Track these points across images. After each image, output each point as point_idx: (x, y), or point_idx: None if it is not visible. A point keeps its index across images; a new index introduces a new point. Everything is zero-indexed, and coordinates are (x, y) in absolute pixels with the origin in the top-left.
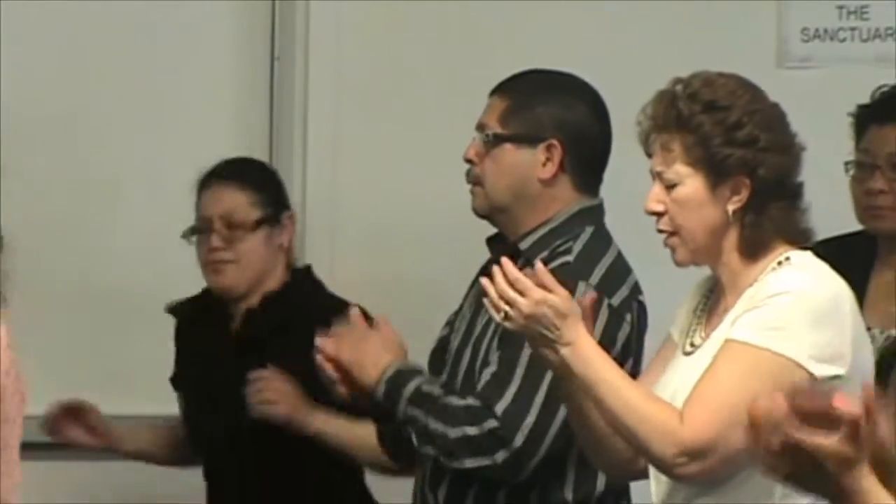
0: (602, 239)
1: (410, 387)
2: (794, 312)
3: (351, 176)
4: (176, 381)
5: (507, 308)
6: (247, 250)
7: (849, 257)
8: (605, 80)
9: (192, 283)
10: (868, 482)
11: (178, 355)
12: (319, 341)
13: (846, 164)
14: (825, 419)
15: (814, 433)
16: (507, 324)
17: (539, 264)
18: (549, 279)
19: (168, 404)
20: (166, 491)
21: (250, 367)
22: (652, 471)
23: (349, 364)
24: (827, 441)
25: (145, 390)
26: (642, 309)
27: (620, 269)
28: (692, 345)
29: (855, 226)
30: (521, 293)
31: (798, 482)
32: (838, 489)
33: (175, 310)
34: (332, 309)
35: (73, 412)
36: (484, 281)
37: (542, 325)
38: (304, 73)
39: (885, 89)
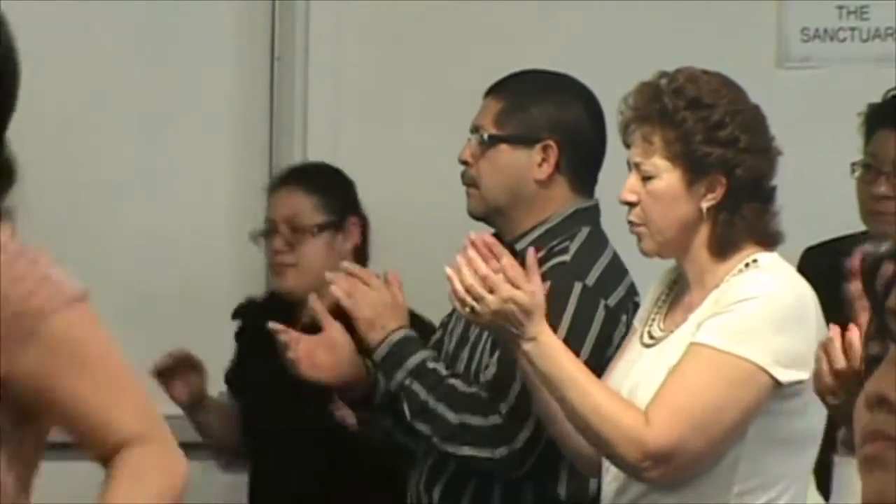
0: (598, 239)
1: (415, 358)
2: (760, 317)
3: (351, 176)
4: (232, 378)
5: (473, 303)
6: (307, 254)
7: (849, 259)
8: (605, 80)
9: (190, 283)
10: None
11: (238, 354)
12: (332, 289)
13: (853, 164)
14: None
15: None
16: (471, 318)
17: (507, 259)
18: (517, 275)
19: (167, 405)
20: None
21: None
22: (605, 465)
23: (361, 319)
24: None
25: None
26: (638, 310)
27: (617, 270)
28: (651, 336)
29: (852, 227)
30: (490, 290)
31: (846, 417)
32: None
33: (239, 312)
34: None
35: (184, 365)
36: (449, 272)
37: (507, 322)
38: (304, 73)
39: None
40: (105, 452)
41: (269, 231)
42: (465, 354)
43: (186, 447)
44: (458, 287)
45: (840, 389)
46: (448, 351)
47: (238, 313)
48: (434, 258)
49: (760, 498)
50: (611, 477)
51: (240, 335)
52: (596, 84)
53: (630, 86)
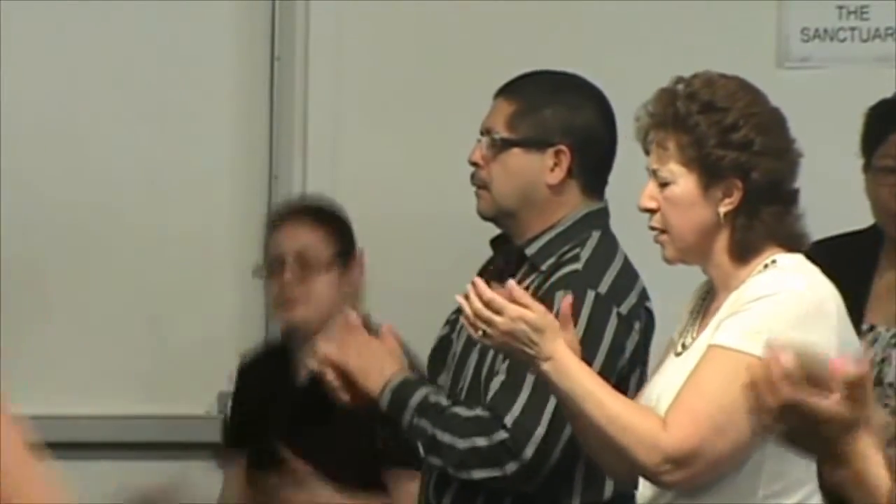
0: (609, 244)
1: (416, 397)
2: (776, 316)
3: (351, 176)
4: (232, 435)
5: (484, 327)
6: (318, 287)
7: (850, 256)
8: (605, 80)
9: (190, 283)
10: (864, 446)
11: (235, 408)
12: (322, 346)
13: (872, 167)
14: (823, 382)
15: (812, 394)
16: (485, 342)
17: (512, 282)
18: (523, 295)
19: (167, 405)
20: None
21: (314, 427)
22: None
23: (354, 371)
24: (824, 402)
25: (144, 390)
26: (650, 316)
27: (629, 276)
28: (683, 346)
29: (853, 226)
30: (498, 312)
31: (794, 442)
32: (834, 451)
33: (241, 366)
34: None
35: None
36: (459, 299)
37: (520, 342)
38: (304, 73)
39: None
40: None
41: (275, 266)
42: (474, 356)
43: (185, 447)
44: (468, 312)
45: (782, 424)
46: (456, 351)
47: (240, 372)
48: (435, 258)
49: (786, 500)
50: (642, 484)
51: (237, 391)
52: (596, 84)
53: (631, 85)
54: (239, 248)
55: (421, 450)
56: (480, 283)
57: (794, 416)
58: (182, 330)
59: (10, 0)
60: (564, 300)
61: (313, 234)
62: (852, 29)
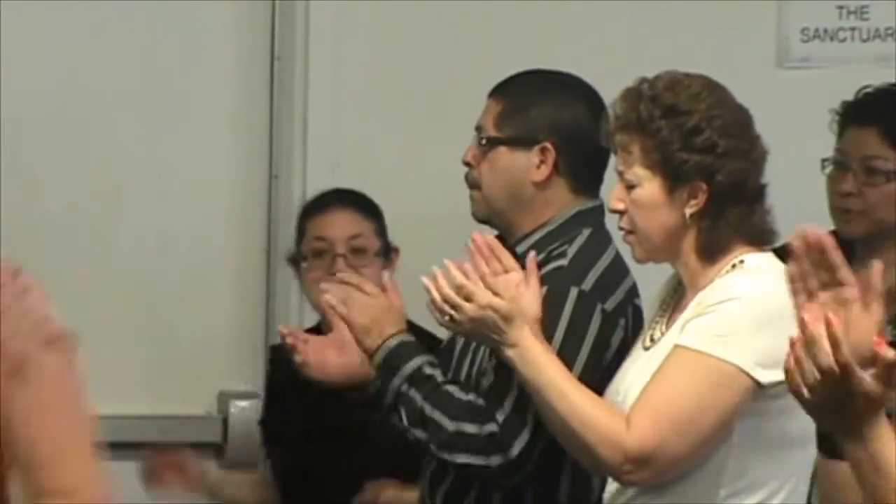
0: (599, 241)
1: (412, 364)
2: (741, 319)
3: (351, 176)
4: (268, 425)
5: (451, 312)
6: (369, 277)
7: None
8: (605, 80)
9: (190, 282)
10: (884, 429)
11: (270, 399)
12: (330, 296)
13: (823, 160)
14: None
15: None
16: (450, 326)
17: (484, 267)
18: (495, 282)
19: (167, 405)
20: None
21: (351, 414)
22: None
23: (355, 328)
24: (867, 375)
25: (144, 390)
26: (638, 312)
27: (616, 273)
28: (651, 339)
29: None
30: (468, 298)
31: (823, 413)
32: (858, 429)
33: (276, 350)
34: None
35: (171, 460)
36: (426, 282)
37: (487, 329)
38: (304, 73)
39: (868, 90)
40: (37, 492)
41: (321, 251)
42: (468, 358)
43: (186, 447)
44: (436, 296)
45: (820, 387)
46: (456, 353)
47: (274, 351)
48: (436, 258)
49: (749, 499)
50: (610, 479)
51: (271, 379)
52: (595, 84)
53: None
54: (239, 248)
55: (404, 419)
56: (452, 266)
57: (832, 384)
58: (182, 330)
59: (10, 0)
60: (530, 257)
61: (365, 223)
62: (852, 29)
